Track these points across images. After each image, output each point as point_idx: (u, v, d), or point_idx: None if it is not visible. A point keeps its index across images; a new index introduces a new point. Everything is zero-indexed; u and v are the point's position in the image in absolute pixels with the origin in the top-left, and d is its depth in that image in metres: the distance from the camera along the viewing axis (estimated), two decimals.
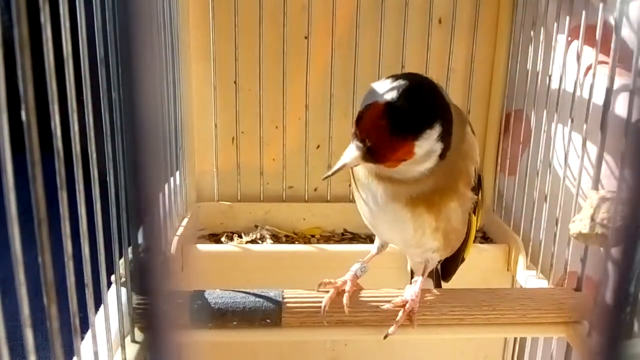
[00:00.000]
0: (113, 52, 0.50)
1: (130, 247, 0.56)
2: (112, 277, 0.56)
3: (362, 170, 0.60)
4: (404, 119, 0.51)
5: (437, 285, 0.74)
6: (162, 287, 0.20)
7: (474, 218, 0.64)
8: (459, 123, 0.58)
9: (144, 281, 0.19)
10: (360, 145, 0.53)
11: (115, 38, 0.50)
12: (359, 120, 0.53)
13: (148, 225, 0.20)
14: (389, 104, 0.51)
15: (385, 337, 0.61)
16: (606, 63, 0.60)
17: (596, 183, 0.61)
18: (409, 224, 0.59)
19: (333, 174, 0.54)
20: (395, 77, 0.54)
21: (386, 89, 0.53)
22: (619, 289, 0.20)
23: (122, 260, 0.56)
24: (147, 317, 0.20)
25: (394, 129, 0.51)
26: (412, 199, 0.57)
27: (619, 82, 0.62)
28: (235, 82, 0.94)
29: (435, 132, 0.52)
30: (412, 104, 0.52)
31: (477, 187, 0.62)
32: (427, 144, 0.53)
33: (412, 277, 0.78)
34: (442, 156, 0.55)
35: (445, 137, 0.54)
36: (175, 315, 0.20)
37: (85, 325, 0.47)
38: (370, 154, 0.53)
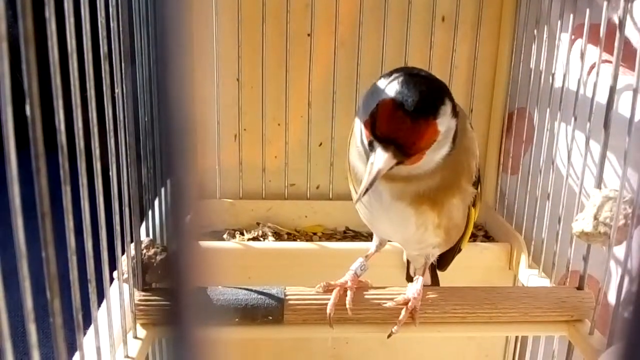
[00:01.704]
0: (117, 48, 0.50)
1: (133, 244, 0.57)
2: (115, 274, 0.56)
3: (365, 170, 0.59)
4: (419, 102, 0.51)
5: (434, 281, 0.74)
6: (190, 278, 0.20)
7: (472, 211, 0.64)
8: (461, 117, 0.58)
9: (170, 273, 0.19)
10: (386, 145, 0.51)
11: (119, 33, 0.50)
12: (374, 122, 0.52)
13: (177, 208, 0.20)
14: (397, 95, 0.51)
15: (389, 336, 0.61)
16: (610, 62, 0.60)
17: (599, 182, 0.61)
18: (411, 221, 0.59)
19: (370, 186, 0.52)
20: (390, 73, 0.54)
21: (386, 86, 0.53)
22: None
23: (124, 256, 0.56)
24: (172, 309, 0.19)
25: (413, 115, 0.50)
26: (418, 196, 0.57)
27: (622, 80, 0.62)
28: (237, 80, 0.94)
29: (448, 107, 0.53)
30: (418, 88, 0.52)
31: (477, 182, 0.62)
32: (446, 120, 0.53)
33: (407, 268, 0.78)
34: (454, 140, 0.55)
35: (455, 114, 0.54)
36: (200, 307, 0.20)
37: (87, 321, 0.47)
38: (400, 150, 0.51)
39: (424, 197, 0.57)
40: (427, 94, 0.52)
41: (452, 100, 0.54)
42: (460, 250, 0.71)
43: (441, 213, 0.59)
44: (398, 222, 0.60)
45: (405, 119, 0.50)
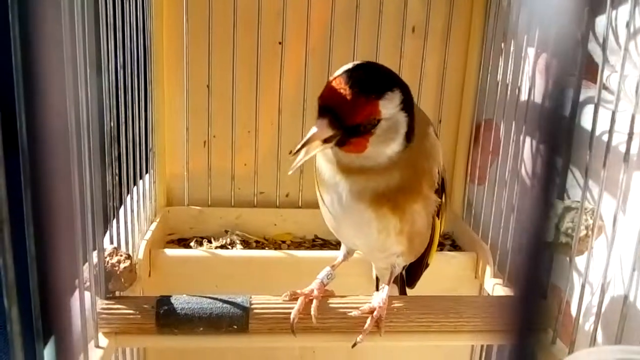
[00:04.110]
0: (81, 53, 0.49)
1: (96, 251, 0.56)
2: (76, 282, 0.55)
3: (327, 168, 0.59)
4: (364, 80, 0.53)
5: (402, 292, 0.74)
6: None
7: (437, 222, 0.65)
8: (422, 121, 0.59)
9: None
10: (325, 114, 0.53)
11: (84, 38, 0.49)
12: (320, 95, 0.54)
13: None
14: (347, 72, 0.54)
15: (354, 345, 0.61)
16: (574, 75, 0.61)
17: (562, 193, 0.62)
18: (373, 225, 0.59)
19: (301, 148, 0.53)
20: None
21: (345, 68, 0.55)
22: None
23: (86, 265, 0.56)
24: None
25: (356, 88, 0.52)
26: (377, 196, 0.58)
27: (585, 94, 0.63)
28: (207, 86, 0.94)
29: (396, 96, 0.54)
30: (369, 71, 0.55)
31: (441, 190, 0.63)
32: (391, 107, 0.54)
33: (377, 284, 0.78)
34: (408, 138, 0.56)
35: (407, 110, 0.55)
36: None
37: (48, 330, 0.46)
38: (336, 121, 0.53)
39: (383, 199, 0.58)
40: (376, 77, 0.54)
41: (406, 96, 0.55)
42: (427, 265, 0.71)
43: (403, 218, 0.59)
44: (360, 226, 0.61)
45: (344, 89, 0.52)
